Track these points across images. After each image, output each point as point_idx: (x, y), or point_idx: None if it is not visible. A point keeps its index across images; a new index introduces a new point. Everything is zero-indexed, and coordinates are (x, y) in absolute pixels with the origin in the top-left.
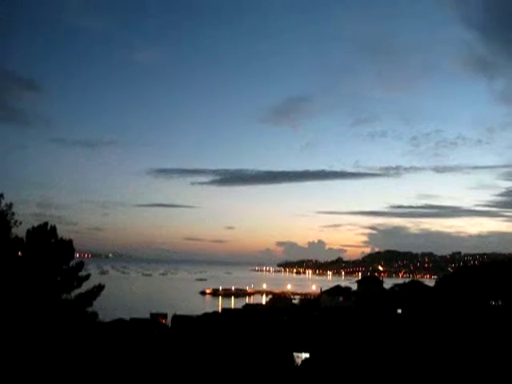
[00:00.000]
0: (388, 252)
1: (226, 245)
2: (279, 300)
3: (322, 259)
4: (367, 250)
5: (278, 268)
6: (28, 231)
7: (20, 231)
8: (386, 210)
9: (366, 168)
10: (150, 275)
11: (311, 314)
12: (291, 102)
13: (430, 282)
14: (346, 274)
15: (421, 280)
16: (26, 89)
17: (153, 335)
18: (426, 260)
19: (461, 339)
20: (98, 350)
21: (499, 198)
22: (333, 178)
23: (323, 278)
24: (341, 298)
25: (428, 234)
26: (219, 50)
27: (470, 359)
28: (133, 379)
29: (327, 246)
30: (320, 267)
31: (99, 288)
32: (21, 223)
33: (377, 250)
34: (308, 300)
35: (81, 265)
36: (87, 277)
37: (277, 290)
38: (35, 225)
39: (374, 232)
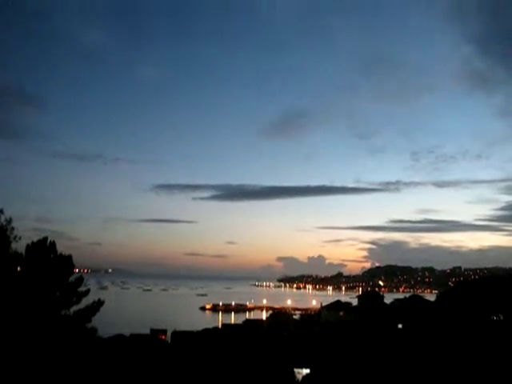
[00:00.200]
0: (388, 267)
1: (227, 260)
2: (279, 315)
3: (323, 274)
4: (367, 265)
5: (278, 283)
6: (27, 246)
7: (19, 246)
8: (386, 225)
9: (366, 183)
10: (150, 290)
11: (312, 329)
12: (292, 117)
13: (430, 296)
14: (347, 289)
15: (421, 295)
16: (26, 104)
17: (152, 351)
18: (427, 275)
19: (462, 354)
20: (97, 366)
21: (499, 213)
22: (333, 193)
23: (323, 293)
24: (341, 313)
25: (428, 249)
26: (219, 66)
27: (472, 375)
28: None
29: (327, 261)
30: (320, 282)
31: (99, 303)
32: (20, 238)
33: (377, 264)
34: (308, 315)
35: (80, 280)
36: (87, 292)
37: (277, 306)
38: (35, 240)
39: (374, 247)
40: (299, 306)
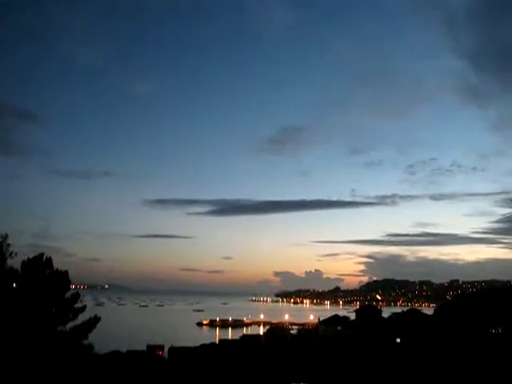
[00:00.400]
0: (386, 281)
1: (223, 275)
2: (277, 330)
3: (320, 289)
4: (365, 279)
5: (275, 298)
6: (23, 262)
7: (15, 262)
8: (383, 239)
9: (363, 197)
10: (147, 306)
11: (309, 344)
12: (287, 131)
13: (428, 310)
14: (344, 303)
15: (419, 308)
16: (23, 120)
17: (149, 367)
18: (424, 288)
19: (462, 368)
20: (94, 383)
21: (496, 225)
22: (329, 207)
23: (321, 307)
24: (339, 328)
25: (425, 262)
26: (215, 81)
27: None
28: None
29: (324, 276)
30: (317, 297)
31: (95, 320)
32: (16, 254)
33: (374, 278)
34: (306, 330)
35: (76, 296)
36: (83, 308)
37: (274, 321)
38: (31, 256)
39: (371, 261)
40: (297, 321)
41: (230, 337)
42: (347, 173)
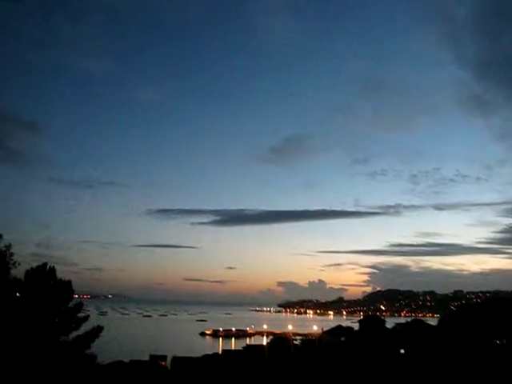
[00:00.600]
0: (389, 291)
1: (227, 285)
2: (280, 341)
3: (323, 299)
4: (368, 289)
5: (278, 308)
6: (27, 272)
7: (19, 272)
8: (387, 249)
9: (366, 207)
10: (150, 316)
11: (313, 354)
12: (290, 141)
13: (432, 320)
14: (348, 313)
15: (423, 319)
16: (26, 129)
17: (152, 378)
18: (428, 298)
19: (466, 379)
20: None
21: (500, 235)
22: (333, 217)
23: (324, 317)
24: (342, 338)
25: (429, 272)
26: (218, 89)
27: None
28: None
29: (328, 286)
30: (321, 307)
31: (98, 329)
32: (19, 264)
33: (378, 288)
34: (309, 340)
35: (80, 306)
36: (86, 318)
37: (278, 331)
38: (34, 265)
39: (374, 271)
40: (300, 331)
41: (233, 347)
42: (350, 183)
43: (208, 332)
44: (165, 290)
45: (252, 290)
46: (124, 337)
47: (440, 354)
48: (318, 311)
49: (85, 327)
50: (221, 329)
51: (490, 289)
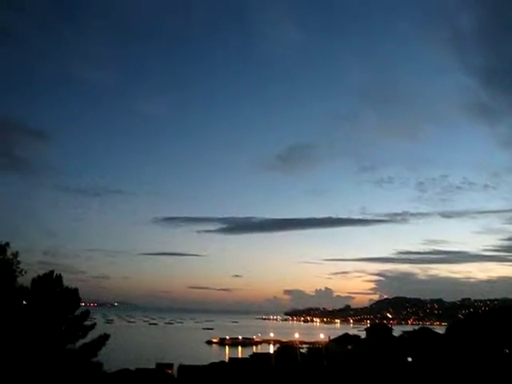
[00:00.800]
0: (396, 299)
1: (233, 293)
2: (287, 349)
3: (330, 307)
4: (375, 297)
5: (285, 316)
6: (33, 280)
7: (25, 280)
8: (394, 257)
9: (373, 214)
10: (156, 324)
11: (320, 363)
12: (297, 149)
13: (440, 329)
14: (355, 321)
15: (430, 327)
16: (33, 138)
17: None
18: (436, 306)
19: None
20: None
21: (507, 243)
22: (339, 224)
23: (331, 326)
24: (349, 347)
25: (436, 280)
26: (224, 98)
27: None
28: None
29: (335, 294)
30: (328, 315)
31: (104, 337)
32: (26, 272)
33: (385, 296)
34: (316, 349)
35: (86, 314)
36: (92, 326)
37: (284, 339)
38: (41, 273)
39: (381, 279)
40: (307, 340)
41: (239, 355)
42: (357, 190)
43: (214, 340)
44: (171, 297)
45: (258, 298)
46: (130, 345)
47: (448, 363)
48: (325, 319)
49: (91, 335)
50: (227, 337)
51: (497, 296)
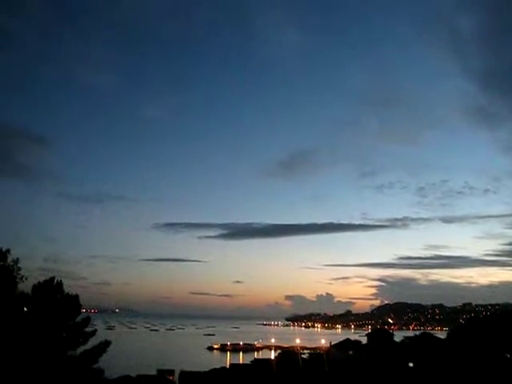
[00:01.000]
0: (397, 304)
1: (234, 299)
2: (288, 355)
3: (331, 312)
4: (376, 303)
5: (286, 322)
6: (34, 286)
7: (26, 286)
8: (395, 262)
9: (374, 220)
10: (157, 330)
11: (321, 368)
12: (297, 155)
13: (441, 334)
14: (356, 327)
15: (432, 332)
16: (34, 144)
17: None
18: (437, 312)
19: None
20: None
21: (508, 247)
22: (340, 230)
23: (332, 331)
24: (351, 352)
25: (438, 285)
26: (225, 103)
27: None
28: None
29: (336, 299)
30: (329, 321)
31: (105, 344)
32: (27, 278)
33: (386, 302)
34: (317, 354)
35: (87, 320)
36: (93, 332)
37: (285, 345)
38: (42, 280)
39: (382, 284)
40: (308, 345)
41: (241, 361)
42: (358, 196)
43: (216, 346)
44: (172, 303)
45: (260, 303)
46: (131, 351)
47: (449, 368)
48: (326, 325)
49: (92, 342)
50: (228, 343)
51: (498, 301)
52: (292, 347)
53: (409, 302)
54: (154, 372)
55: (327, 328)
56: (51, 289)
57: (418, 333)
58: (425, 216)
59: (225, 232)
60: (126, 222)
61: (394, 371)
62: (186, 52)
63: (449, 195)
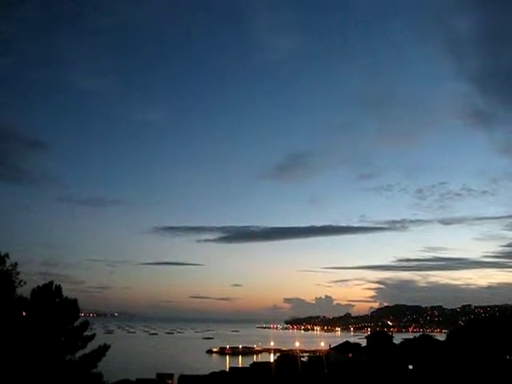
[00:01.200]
0: (397, 306)
1: (233, 302)
2: (287, 358)
3: (330, 315)
4: (375, 305)
5: (285, 325)
6: (33, 290)
7: (25, 291)
8: (393, 264)
9: (372, 222)
10: (156, 334)
11: (320, 371)
12: (295, 158)
13: (440, 336)
14: (355, 329)
15: (431, 334)
16: (32, 148)
17: None
18: (436, 313)
19: None
20: None
21: (507, 249)
22: (339, 233)
23: (332, 334)
24: (350, 355)
25: (437, 287)
26: (222, 107)
27: None
28: None
29: (335, 302)
30: (328, 323)
31: (104, 348)
32: (25, 283)
33: (385, 304)
34: (317, 357)
35: (86, 324)
36: (92, 337)
37: (285, 348)
38: (40, 284)
39: (381, 286)
40: (307, 348)
41: (240, 364)
42: (356, 198)
43: (215, 349)
44: (171, 307)
45: (258, 306)
46: (130, 355)
47: (449, 370)
48: (325, 327)
49: (91, 346)
50: (228, 346)
51: (498, 303)
52: (291, 350)
53: (408, 304)
54: (153, 376)
55: (326, 331)
56: (50, 293)
57: (417, 335)
58: (423, 218)
59: (223, 235)
60: (125, 226)
61: (394, 373)
62: (182, 55)
63: (447, 197)
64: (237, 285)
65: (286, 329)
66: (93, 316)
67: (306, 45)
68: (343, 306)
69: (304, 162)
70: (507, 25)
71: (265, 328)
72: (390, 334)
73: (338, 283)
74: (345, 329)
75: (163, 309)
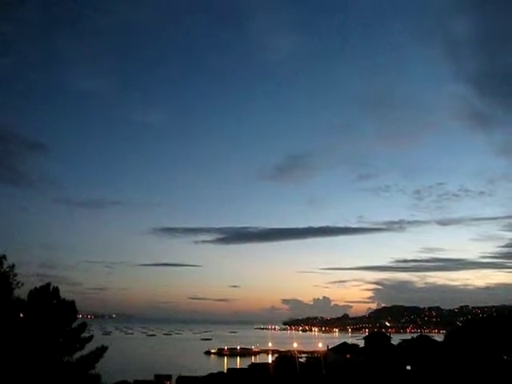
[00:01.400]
0: (394, 307)
1: (231, 303)
2: (285, 359)
3: (328, 316)
4: (373, 306)
5: (283, 326)
6: (30, 292)
7: (22, 292)
8: (391, 265)
9: (370, 223)
10: (154, 335)
11: (318, 372)
12: (293, 158)
13: (438, 336)
14: (353, 330)
15: (429, 335)
16: (31, 150)
17: None
18: (434, 314)
19: None
20: None
21: (504, 249)
22: (337, 233)
23: (329, 335)
24: (348, 356)
25: (434, 288)
26: (221, 108)
27: None
28: None
29: (333, 303)
30: (326, 324)
31: (102, 349)
32: (23, 284)
33: (383, 305)
34: (315, 358)
35: (83, 326)
36: (90, 338)
37: (283, 349)
38: (38, 285)
39: (379, 287)
40: (305, 349)
41: (238, 365)
42: (354, 199)
43: (213, 351)
44: (169, 308)
45: (256, 307)
46: (128, 356)
47: (447, 370)
48: (323, 328)
49: (89, 347)
50: (226, 347)
51: (495, 303)
52: (289, 351)
53: (406, 304)
54: (151, 377)
55: (324, 332)
56: (47, 295)
57: (415, 335)
58: (421, 219)
59: (221, 236)
60: (123, 227)
61: (392, 374)
62: (183, 55)
63: (445, 198)
64: (235, 286)
65: (284, 330)
66: (91, 317)
67: (305, 45)
68: (341, 306)
69: (303, 163)
70: (505, 27)
71: (263, 329)
72: (388, 334)
73: (336, 284)
74: (343, 330)
75: (161, 310)
